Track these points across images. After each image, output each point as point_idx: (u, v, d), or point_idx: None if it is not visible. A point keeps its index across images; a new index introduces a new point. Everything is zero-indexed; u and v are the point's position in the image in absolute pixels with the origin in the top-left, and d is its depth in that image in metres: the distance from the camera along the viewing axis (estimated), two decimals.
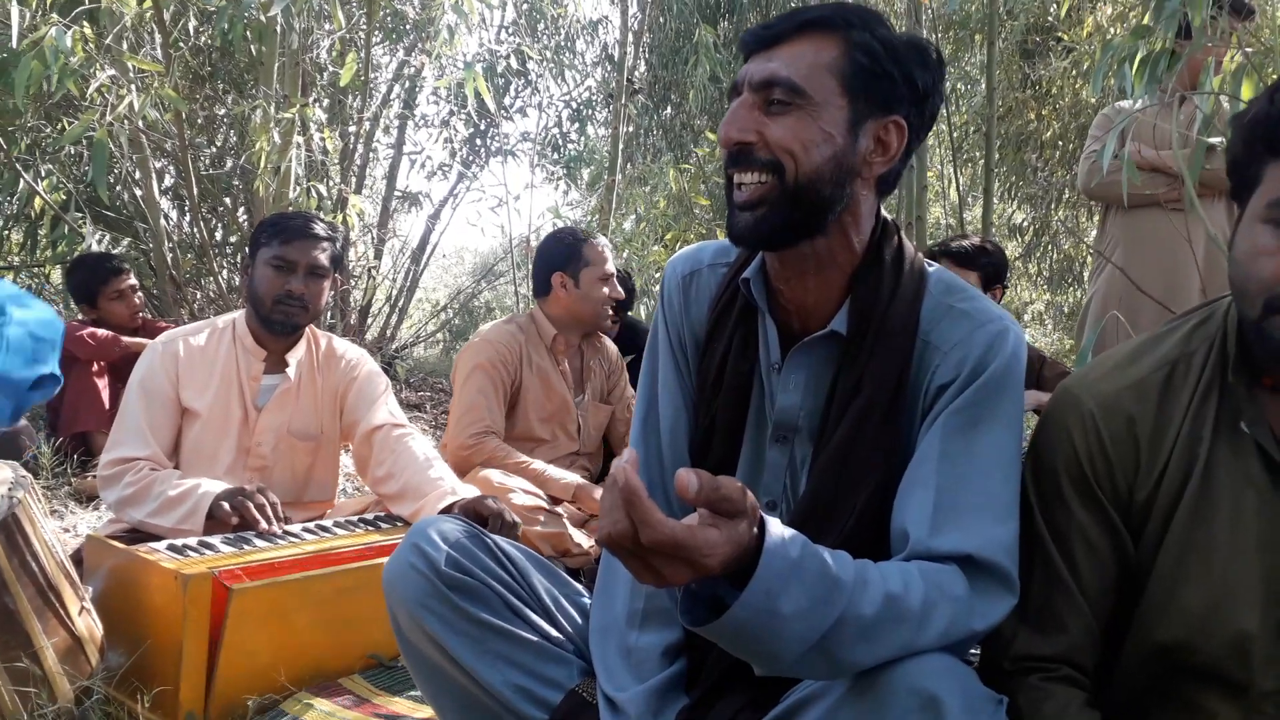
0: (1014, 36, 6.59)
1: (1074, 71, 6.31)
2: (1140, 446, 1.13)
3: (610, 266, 2.91)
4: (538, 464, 2.75)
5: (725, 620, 0.94)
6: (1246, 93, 2.01)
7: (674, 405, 1.34)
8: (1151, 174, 2.98)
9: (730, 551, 0.92)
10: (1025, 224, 7.56)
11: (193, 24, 4.57)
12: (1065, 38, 6.22)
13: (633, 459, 0.92)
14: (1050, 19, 6.27)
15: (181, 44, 4.59)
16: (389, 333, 6.89)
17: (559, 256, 2.89)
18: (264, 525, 2.04)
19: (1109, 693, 1.18)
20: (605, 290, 2.88)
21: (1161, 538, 1.12)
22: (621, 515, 0.89)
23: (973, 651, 1.33)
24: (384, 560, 1.95)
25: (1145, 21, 2.25)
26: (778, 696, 1.13)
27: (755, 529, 0.95)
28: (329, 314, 5.45)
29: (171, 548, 1.90)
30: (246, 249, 2.41)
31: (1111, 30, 5.38)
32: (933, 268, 1.27)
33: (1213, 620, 1.09)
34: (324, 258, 2.34)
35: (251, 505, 2.06)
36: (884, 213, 1.27)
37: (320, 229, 2.35)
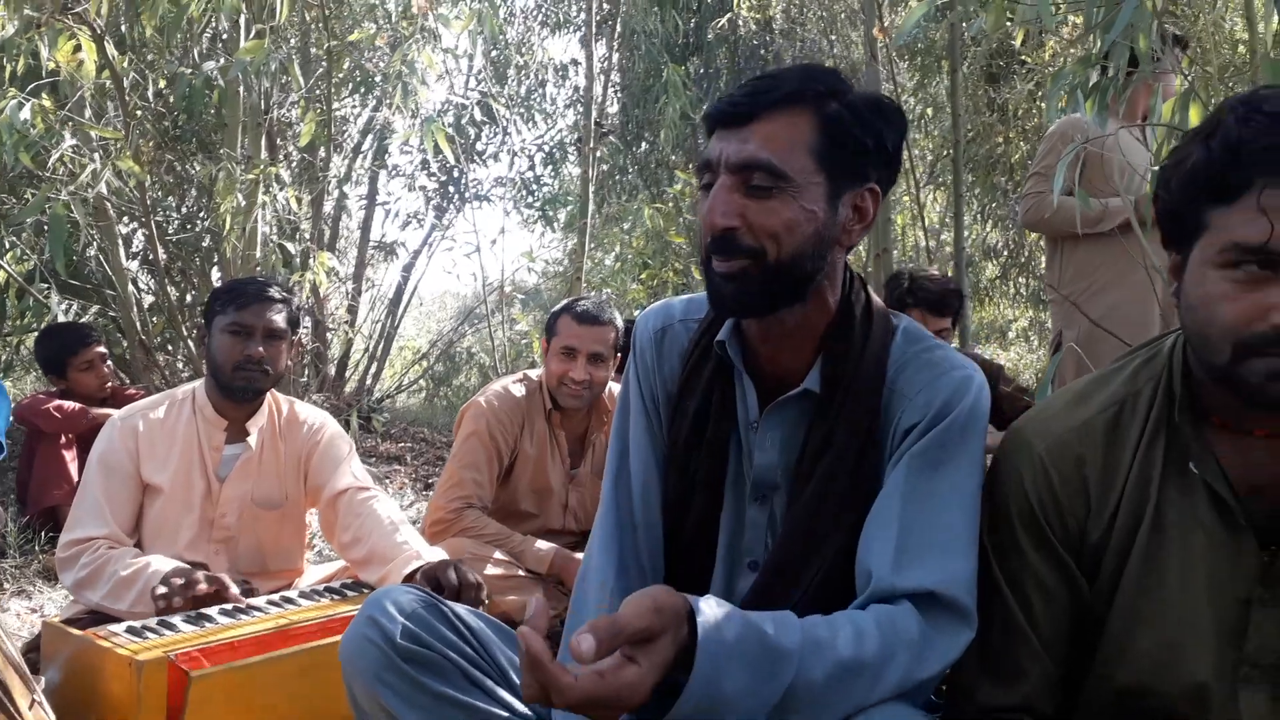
0: (978, 61, 6.66)
1: (1038, 93, 6.36)
2: (1090, 488, 1.13)
3: (575, 342, 2.67)
4: (516, 536, 2.66)
5: (672, 715, 0.95)
6: (1195, 120, 2.01)
7: (645, 464, 1.33)
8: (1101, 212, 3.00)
9: (657, 676, 0.93)
10: (1000, 245, 7.60)
11: (159, 85, 4.58)
12: (1028, 60, 6.28)
13: (539, 609, 0.93)
14: (1013, 42, 6.33)
15: (142, 109, 4.59)
16: (368, 384, 6.86)
17: (547, 322, 2.81)
18: (224, 592, 1.99)
19: None
20: (561, 365, 2.68)
21: (1116, 581, 1.11)
22: (532, 680, 0.91)
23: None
24: None
25: (1095, 50, 2.26)
26: None
27: (686, 626, 0.95)
28: (304, 370, 5.42)
29: (130, 630, 1.86)
30: (202, 319, 2.39)
31: (1064, 57, 5.43)
32: (899, 320, 1.29)
33: (1168, 665, 1.08)
34: (280, 319, 2.31)
35: (186, 585, 1.97)
36: (849, 264, 1.29)
37: (275, 291, 2.33)
